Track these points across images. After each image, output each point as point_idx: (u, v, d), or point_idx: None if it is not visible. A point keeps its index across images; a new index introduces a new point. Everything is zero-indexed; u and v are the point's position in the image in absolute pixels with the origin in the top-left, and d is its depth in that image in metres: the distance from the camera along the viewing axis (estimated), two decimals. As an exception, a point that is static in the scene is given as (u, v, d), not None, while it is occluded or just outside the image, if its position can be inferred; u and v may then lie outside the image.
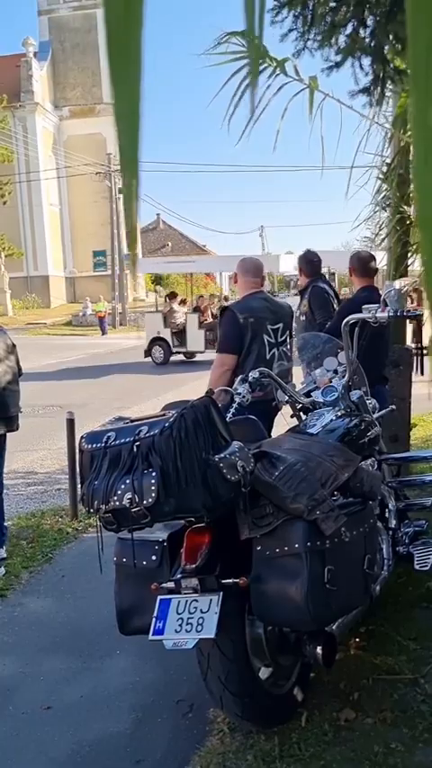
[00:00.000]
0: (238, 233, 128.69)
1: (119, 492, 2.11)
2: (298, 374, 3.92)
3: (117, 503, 2.12)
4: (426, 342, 5.69)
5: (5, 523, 4.55)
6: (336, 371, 3.29)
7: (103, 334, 27.04)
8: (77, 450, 2.38)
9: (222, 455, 2.16)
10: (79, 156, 33.49)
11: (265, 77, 3.99)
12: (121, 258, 32.75)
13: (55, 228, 37.55)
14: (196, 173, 74.88)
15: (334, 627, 2.54)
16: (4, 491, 4.55)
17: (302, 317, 5.36)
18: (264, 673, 2.52)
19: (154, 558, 2.43)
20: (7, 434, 4.35)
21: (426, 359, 6.17)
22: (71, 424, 5.03)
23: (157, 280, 36.61)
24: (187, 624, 2.24)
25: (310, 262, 5.58)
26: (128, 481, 2.11)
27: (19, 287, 33.14)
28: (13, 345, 4.35)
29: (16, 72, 35.44)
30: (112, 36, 0.39)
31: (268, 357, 3.83)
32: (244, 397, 3.03)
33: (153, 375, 14.82)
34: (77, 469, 5.11)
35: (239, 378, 3.15)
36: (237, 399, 3.02)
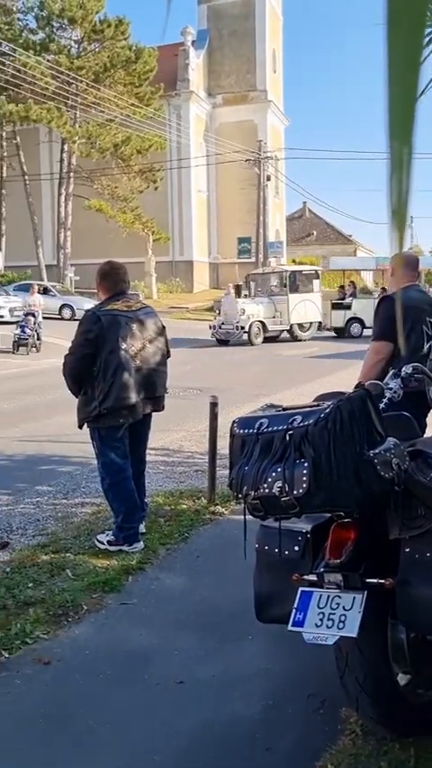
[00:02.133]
0: (385, 223, 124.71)
1: (269, 480, 2.10)
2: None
3: (266, 490, 2.11)
4: None
5: (146, 499, 4.71)
6: None
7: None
8: (229, 435, 2.39)
9: (377, 451, 2.08)
10: (229, 143, 33.83)
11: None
12: (266, 245, 32.81)
13: (201, 214, 38.26)
14: (346, 160, 73.40)
15: None
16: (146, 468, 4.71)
17: None
18: (402, 679, 2.43)
19: (297, 548, 2.40)
20: (152, 414, 4.49)
21: None
22: (214, 408, 5.10)
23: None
24: (329, 620, 2.20)
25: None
26: (279, 470, 2.09)
27: (164, 271, 34.15)
28: (163, 327, 4.46)
29: (174, 61, 36.32)
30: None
31: (425, 350, 3.67)
32: (396, 392, 2.92)
33: (294, 362, 14.73)
34: (216, 453, 5.24)
35: (391, 372, 3.04)
36: (387, 394, 2.92)
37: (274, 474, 2.10)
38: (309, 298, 22.72)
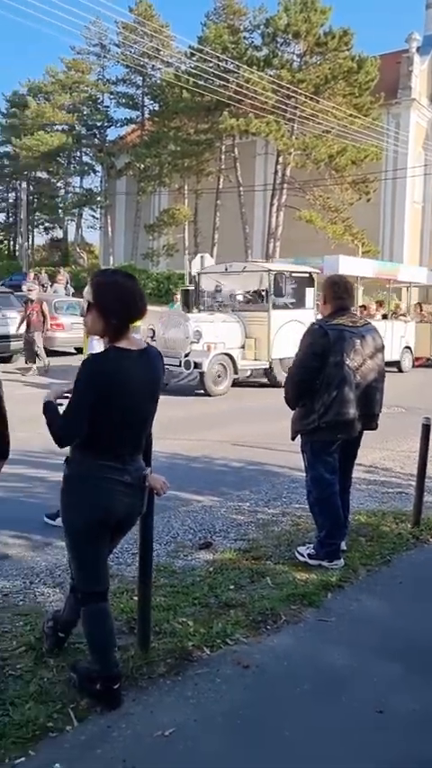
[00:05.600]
0: None
1: None
2: None
3: None
4: None
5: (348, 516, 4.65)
6: None
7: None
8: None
9: None
10: (451, 152, 32.38)
11: None
12: None
13: (415, 226, 37.03)
14: None
15: None
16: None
17: None
18: None
19: None
20: (364, 432, 4.43)
21: None
22: (426, 430, 4.91)
23: None
24: None
25: None
26: None
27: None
28: (382, 345, 4.38)
29: (396, 69, 35.57)
30: None
31: None
32: None
33: None
34: (425, 477, 5.04)
35: None
36: None
37: None
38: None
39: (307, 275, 14.25)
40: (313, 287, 13.99)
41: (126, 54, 38.98)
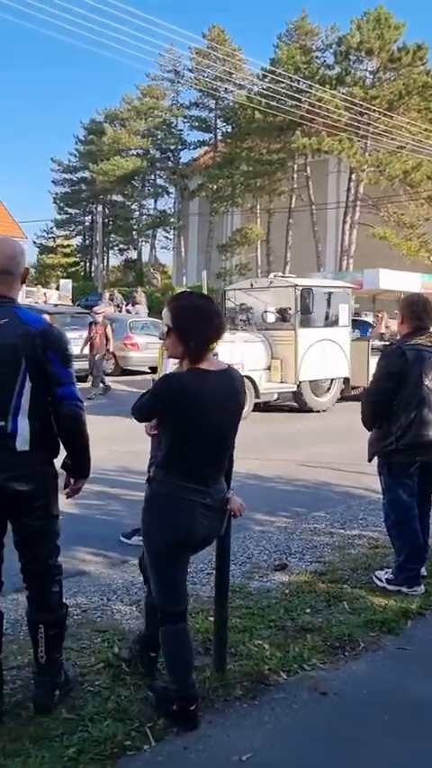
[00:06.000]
0: None
1: None
2: None
3: None
4: None
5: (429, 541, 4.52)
6: None
7: None
8: None
9: None
10: None
11: None
12: None
13: None
14: None
15: None
16: None
17: None
18: None
19: None
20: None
21: None
22: None
23: None
24: None
25: None
26: None
27: None
28: None
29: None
30: None
31: None
32: None
33: None
34: None
35: None
36: None
37: None
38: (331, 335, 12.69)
39: (341, 291, 13.30)
40: (348, 303, 13.23)
41: (199, 78, 39.74)
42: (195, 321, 2.68)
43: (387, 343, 13.02)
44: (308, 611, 3.92)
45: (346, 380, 13.00)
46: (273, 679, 3.19)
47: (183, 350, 2.70)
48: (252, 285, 13.48)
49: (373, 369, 11.17)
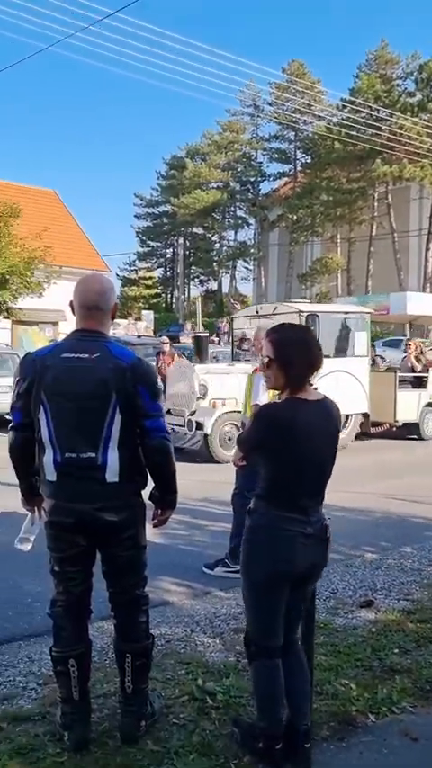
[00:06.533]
0: None
1: None
2: None
3: None
4: None
5: None
6: None
7: None
8: None
9: None
10: None
11: None
12: None
13: None
14: None
15: None
16: None
17: None
18: None
19: None
20: None
21: None
22: None
23: None
24: None
25: None
26: None
27: None
28: None
29: None
30: None
31: None
32: None
33: None
34: None
35: None
36: None
37: None
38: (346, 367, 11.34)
39: (357, 317, 11.97)
40: (365, 330, 11.88)
41: (278, 112, 40.30)
42: (296, 352, 2.69)
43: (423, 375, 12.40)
44: (396, 651, 3.79)
45: (366, 416, 11.78)
46: (360, 721, 3.09)
47: (284, 381, 2.71)
48: (257, 312, 12.31)
49: (401, 404, 10.26)
